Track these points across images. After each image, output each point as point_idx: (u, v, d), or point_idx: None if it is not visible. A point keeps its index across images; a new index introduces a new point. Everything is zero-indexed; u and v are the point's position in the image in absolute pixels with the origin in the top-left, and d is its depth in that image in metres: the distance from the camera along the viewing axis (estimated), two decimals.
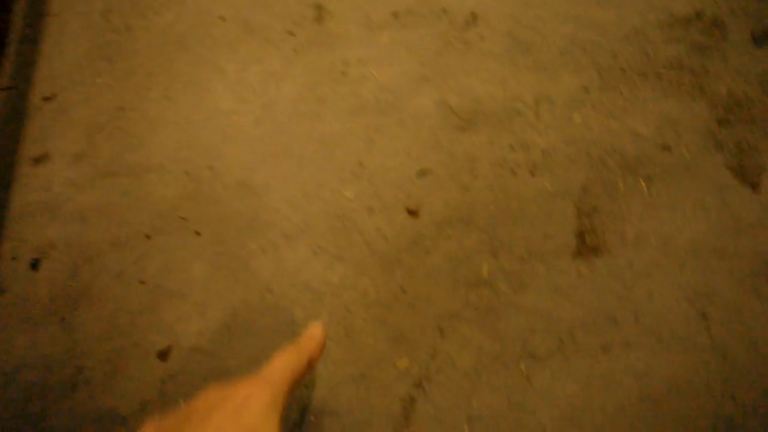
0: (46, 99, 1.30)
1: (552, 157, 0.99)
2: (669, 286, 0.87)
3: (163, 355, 1.03)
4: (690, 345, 0.83)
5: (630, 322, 0.86)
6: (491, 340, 0.87)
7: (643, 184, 0.94)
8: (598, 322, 0.86)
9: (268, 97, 1.25)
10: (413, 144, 1.11)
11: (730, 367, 0.80)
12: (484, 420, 0.82)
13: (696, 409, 0.79)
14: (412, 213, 1.03)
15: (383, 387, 0.88)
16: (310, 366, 0.73)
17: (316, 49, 1.25)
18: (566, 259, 0.91)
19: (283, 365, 0.70)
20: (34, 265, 1.20)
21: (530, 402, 0.82)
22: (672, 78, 1.01)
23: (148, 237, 1.15)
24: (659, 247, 0.89)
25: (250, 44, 1.29)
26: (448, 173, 1.04)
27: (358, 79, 1.20)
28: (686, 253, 0.88)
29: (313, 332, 0.77)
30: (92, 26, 1.34)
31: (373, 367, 0.91)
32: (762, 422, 0.76)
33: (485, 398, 0.84)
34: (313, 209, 1.10)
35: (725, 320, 0.83)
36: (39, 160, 1.33)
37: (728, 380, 0.79)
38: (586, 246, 0.92)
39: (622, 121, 1.00)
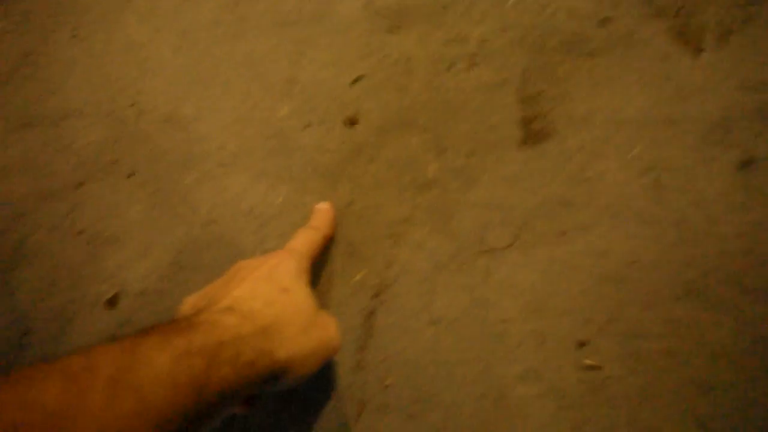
0: None
1: (488, 47, 0.91)
2: (620, 162, 0.82)
3: (111, 303, 0.95)
4: (646, 218, 0.79)
5: (585, 204, 0.81)
6: (446, 241, 0.82)
7: (585, 62, 0.87)
8: (552, 208, 0.81)
9: (185, 22, 1.13)
10: (343, 52, 1.02)
11: (686, 234, 0.77)
12: (447, 321, 0.78)
13: (657, 282, 0.76)
14: (351, 123, 0.95)
15: (341, 303, 0.83)
16: (326, 240, 0.80)
17: None
18: (513, 148, 0.85)
19: (303, 240, 0.74)
20: None
21: (492, 296, 0.78)
22: None
23: (77, 186, 1.05)
24: (607, 125, 0.84)
25: None
26: (384, 77, 0.96)
27: None
28: (635, 126, 0.83)
29: (322, 210, 0.82)
30: None
31: (329, 283, 0.85)
32: (720, 282, 0.73)
33: (446, 299, 0.79)
34: (247, 133, 1.01)
35: (679, 188, 0.79)
36: None
37: (685, 247, 0.76)
38: (533, 133, 0.86)
39: None
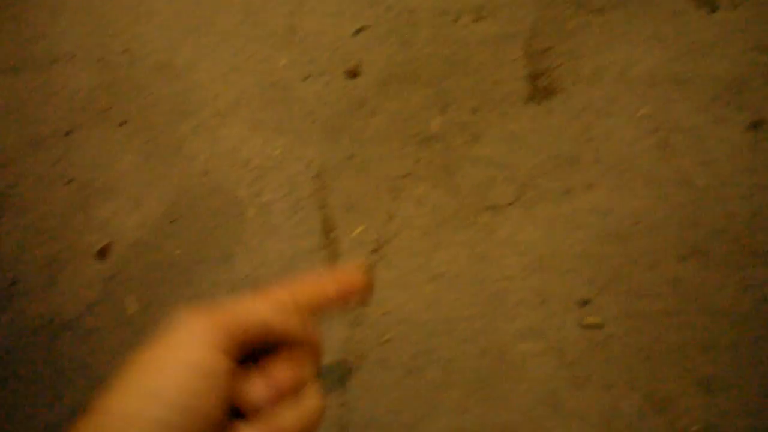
0: None
1: (496, 0, 0.86)
2: (628, 120, 0.78)
3: (102, 253, 0.91)
4: (652, 178, 0.76)
5: (591, 161, 0.77)
6: (448, 196, 0.78)
7: (596, 17, 0.83)
8: (558, 165, 0.77)
9: None
10: (346, 1, 0.97)
11: (692, 194, 0.74)
12: (447, 277, 0.74)
13: (662, 242, 0.73)
14: (352, 74, 0.90)
15: (340, 257, 0.79)
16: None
17: None
18: (519, 105, 0.81)
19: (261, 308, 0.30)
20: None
21: (494, 253, 0.74)
22: None
23: (67, 133, 1.00)
24: (616, 83, 0.80)
25: None
26: (387, 28, 0.91)
27: None
28: (644, 85, 0.79)
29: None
30: None
31: (325, 237, 0.82)
32: (725, 243, 0.71)
33: (447, 255, 0.76)
34: (245, 83, 0.96)
35: (686, 148, 0.76)
36: None
37: (691, 208, 0.73)
38: (540, 89, 0.83)
39: None
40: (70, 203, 0.95)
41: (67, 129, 0.99)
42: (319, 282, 0.29)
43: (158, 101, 0.96)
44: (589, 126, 0.81)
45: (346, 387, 0.77)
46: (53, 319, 0.92)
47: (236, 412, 0.25)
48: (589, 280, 0.76)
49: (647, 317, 0.73)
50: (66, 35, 1.03)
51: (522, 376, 0.73)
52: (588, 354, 0.73)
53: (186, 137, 0.93)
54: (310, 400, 0.26)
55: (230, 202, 0.87)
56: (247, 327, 0.26)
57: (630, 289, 0.75)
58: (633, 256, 0.76)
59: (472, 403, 0.74)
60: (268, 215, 0.87)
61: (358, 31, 0.91)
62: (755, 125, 0.78)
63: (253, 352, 0.27)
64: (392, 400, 0.76)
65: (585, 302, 0.75)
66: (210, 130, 0.92)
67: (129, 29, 1.02)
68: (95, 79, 1.01)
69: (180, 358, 0.24)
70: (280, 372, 0.27)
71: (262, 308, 0.27)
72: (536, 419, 0.72)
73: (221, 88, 0.93)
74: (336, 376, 0.78)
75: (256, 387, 0.26)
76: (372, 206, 0.84)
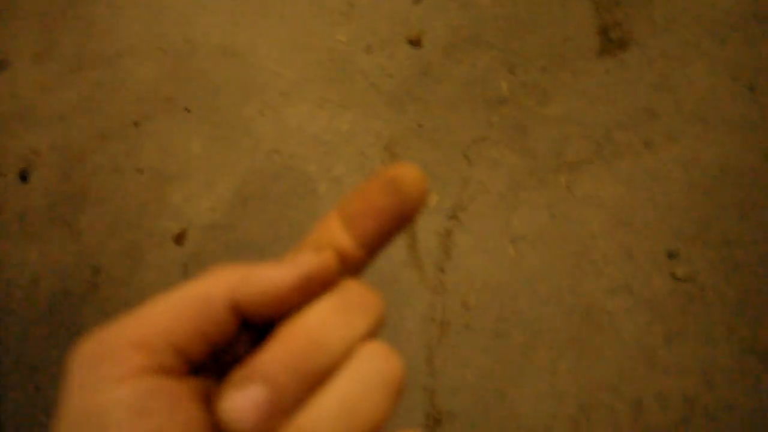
0: None
1: None
2: (709, 65, 0.76)
3: (179, 238, 0.93)
4: (738, 124, 0.73)
5: (671, 112, 0.75)
6: (523, 158, 0.78)
7: None
8: (635, 118, 0.76)
9: None
10: None
11: None
12: (529, 238, 0.74)
13: (750, 188, 0.71)
14: (415, 43, 0.90)
15: (415, 224, 0.80)
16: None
17: None
18: (591, 59, 0.79)
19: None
20: (24, 176, 1.08)
21: (575, 212, 0.74)
22: None
23: (136, 125, 1.03)
24: (693, 26, 0.78)
25: None
26: None
27: None
28: (724, 27, 0.77)
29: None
30: None
31: None
32: None
33: (526, 217, 0.75)
34: (307, 61, 0.97)
35: None
36: None
37: None
38: (612, 41, 0.81)
39: None
40: (145, 192, 0.98)
41: (135, 120, 1.02)
42: (360, 196, 0.22)
43: (221, 86, 0.98)
44: (667, 75, 0.79)
45: (433, 353, 0.78)
46: (136, 305, 0.95)
47: None
48: (676, 232, 0.74)
49: (740, 267, 0.72)
50: (127, 29, 1.06)
51: (613, 332, 0.73)
52: (681, 307, 0.72)
53: (252, 119, 0.94)
54: (365, 363, 0.19)
55: (301, 179, 0.88)
56: (193, 316, 0.19)
57: (721, 239, 0.73)
58: (722, 205, 0.74)
59: (563, 363, 0.74)
60: (340, 189, 0.88)
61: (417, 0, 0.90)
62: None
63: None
64: (480, 364, 0.77)
65: (673, 254, 0.74)
66: (275, 110, 0.93)
67: (187, 18, 1.04)
68: (158, 69, 1.03)
69: (92, 410, 0.18)
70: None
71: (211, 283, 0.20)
72: (631, 375, 0.71)
73: (283, 68, 0.94)
74: (421, 346, 0.78)
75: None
76: (445, 173, 0.84)
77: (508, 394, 0.75)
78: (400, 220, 0.21)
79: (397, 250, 0.83)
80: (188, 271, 0.95)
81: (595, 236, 0.76)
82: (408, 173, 0.22)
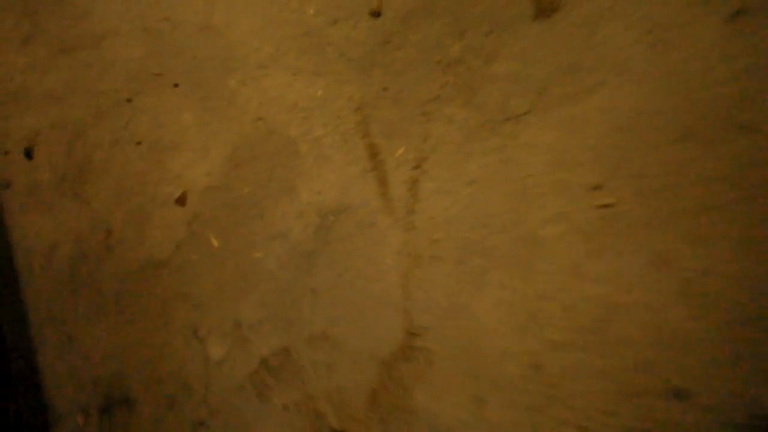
0: None
1: None
2: (625, 25, 0.93)
3: (181, 200, 1.10)
4: (649, 73, 0.91)
5: (594, 67, 0.93)
6: (474, 112, 0.95)
7: None
8: (566, 73, 0.94)
9: None
10: None
11: (684, 83, 0.90)
12: (481, 181, 0.92)
13: (659, 128, 0.90)
14: (376, 14, 1.05)
15: (387, 175, 0.97)
16: None
17: None
18: (527, 23, 0.96)
19: None
20: (28, 153, 1.23)
21: (519, 156, 0.92)
22: None
23: (129, 101, 1.17)
24: None
25: None
26: None
27: None
28: None
29: None
30: None
31: (372, 160, 1.00)
32: (716, 121, 0.87)
33: (479, 163, 0.93)
34: (279, 35, 1.12)
35: (677, 43, 0.91)
36: None
37: (684, 95, 0.89)
38: (544, 7, 0.97)
39: None
40: (145, 161, 1.14)
41: (127, 96, 1.16)
42: None
43: (204, 61, 1.13)
44: (591, 34, 0.97)
45: (408, 281, 0.97)
46: (149, 260, 1.13)
47: None
48: (601, 168, 0.94)
49: (650, 193, 0.91)
50: (108, 11, 1.19)
51: (550, 253, 0.93)
52: (603, 229, 0.92)
53: (236, 90, 1.10)
54: None
55: (284, 142, 1.05)
56: None
57: (635, 172, 0.93)
58: (636, 143, 0.93)
59: (511, 280, 0.94)
60: (320, 149, 1.05)
61: None
62: (737, 14, 0.93)
63: None
64: (446, 286, 0.96)
65: (598, 187, 0.93)
66: (256, 80, 1.09)
67: None
68: (143, 48, 1.17)
69: None
70: None
71: None
72: (562, 286, 0.92)
73: (259, 41, 1.09)
74: (398, 277, 0.98)
75: None
76: (409, 129, 1.01)
77: (470, 307, 0.95)
78: None
79: (373, 198, 1.02)
80: (191, 228, 1.12)
81: (535, 175, 0.95)
82: None
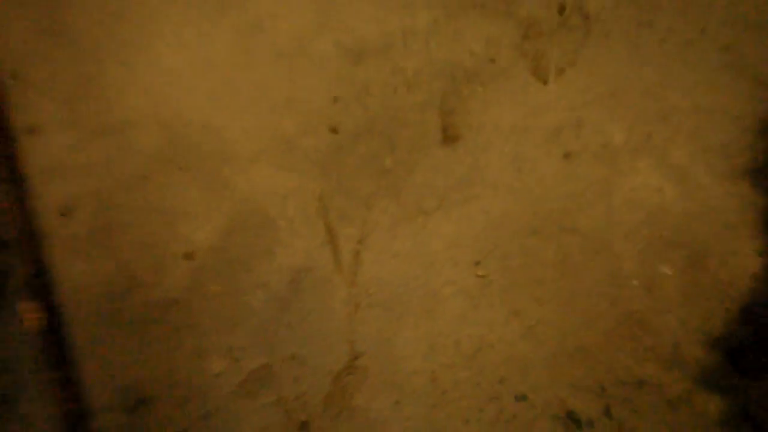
0: (14, 77, 1.63)
1: (420, 76, 1.49)
2: (498, 155, 1.44)
3: (189, 256, 1.55)
4: (513, 190, 1.43)
5: (478, 182, 1.44)
6: (400, 207, 1.45)
7: (480, 88, 1.47)
8: (461, 184, 1.44)
9: (205, 52, 1.63)
10: (324, 78, 1.57)
11: (533, 203, 1.41)
12: (402, 255, 1.42)
13: (518, 228, 1.41)
14: (333, 131, 1.52)
15: (338, 247, 1.45)
16: None
17: (234, 9, 1.62)
18: (437, 147, 1.46)
19: None
20: (65, 214, 1.64)
21: (428, 239, 1.43)
22: (491, 6, 1.49)
23: (145, 178, 1.61)
24: (492, 131, 1.45)
25: (177, 8, 1.64)
26: (352, 98, 1.53)
27: (272, 31, 1.60)
28: (509, 133, 1.45)
29: None
30: (27, 3, 1.63)
31: (329, 235, 1.48)
32: (549, 228, 1.39)
33: (402, 242, 1.43)
34: (265, 137, 1.58)
35: (531, 172, 1.42)
36: (32, 131, 1.70)
37: (531, 212, 1.40)
38: (448, 137, 1.47)
39: (462, 43, 1.49)
40: (160, 224, 1.58)
41: (145, 174, 1.60)
42: None
43: (206, 152, 1.57)
44: (477, 159, 1.47)
45: (352, 321, 1.46)
46: (164, 299, 1.57)
47: None
48: (479, 251, 1.45)
49: (510, 269, 1.43)
50: (132, 107, 1.62)
51: (445, 306, 1.44)
52: (480, 291, 1.43)
53: (230, 177, 1.55)
54: None
55: (266, 218, 1.52)
56: None
57: (501, 254, 1.44)
58: (503, 235, 1.44)
59: (420, 322, 1.44)
60: (292, 225, 1.52)
61: (334, 101, 1.52)
62: (567, 155, 1.45)
63: None
64: (378, 326, 1.46)
65: (477, 263, 1.45)
66: (245, 171, 1.54)
67: (176, 100, 1.61)
68: (158, 138, 1.61)
69: None
70: None
71: None
72: (453, 328, 1.43)
73: (249, 141, 1.55)
74: (343, 318, 1.46)
75: None
76: (355, 215, 1.50)
77: (393, 340, 1.45)
78: None
79: (329, 262, 1.50)
80: (197, 276, 1.57)
81: (437, 252, 1.46)
82: None
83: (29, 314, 1.58)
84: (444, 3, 1.55)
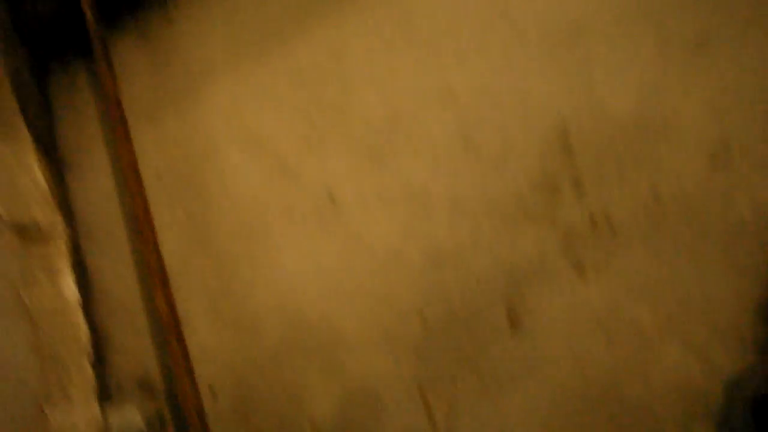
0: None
1: (487, 274, 1.94)
2: (553, 338, 1.86)
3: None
4: (568, 364, 1.84)
5: (540, 358, 1.86)
6: (478, 381, 1.87)
7: (535, 283, 1.91)
8: (525, 361, 1.86)
9: (317, 260, 2.12)
10: (412, 278, 2.04)
11: None
12: (484, 423, 1.83)
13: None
14: (423, 321, 1.97)
15: (434, 420, 1.87)
16: None
17: (335, 225, 2.12)
18: (505, 331, 1.89)
19: None
20: (214, 393, 2.10)
21: (501, 411, 1.83)
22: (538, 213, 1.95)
23: (273, 359, 2.07)
24: (546, 318, 1.88)
25: (295, 227, 2.14)
26: (435, 295, 1.98)
27: (367, 240, 2.09)
28: (559, 320, 1.88)
29: None
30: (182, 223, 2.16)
31: (420, 414, 1.90)
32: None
33: (481, 413, 1.84)
34: (368, 327, 2.03)
35: (585, 353, 1.84)
36: (184, 322, 2.18)
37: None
38: (513, 323, 1.91)
39: (517, 246, 1.95)
40: (288, 401, 2.02)
41: (272, 356, 2.06)
42: None
43: (323, 340, 2.03)
44: (535, 339, 1.90)
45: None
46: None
47: None
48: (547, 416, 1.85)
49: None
50: (262, 305, 2.10)
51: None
52: None
53: (343, 359, 2.00)
54: None
55: (373, 394, 1.95)
56: None
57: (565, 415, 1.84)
58: (560, 401, 1.84)
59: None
60: (395, 399, 1.94)
61: (423, 297, 1.98)
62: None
63: None
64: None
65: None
66: (354, 355, 1.99)
67: (296, 296, 2.08)
68: (282, 331, 2.07)
69: None
70: None
71: None
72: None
73: (356, 331, 2.00)
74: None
75: None
76: (445, 389, 1.91)
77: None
78: None
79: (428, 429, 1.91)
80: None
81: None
82: None
83: None
84: (501, 212, 2.02)
